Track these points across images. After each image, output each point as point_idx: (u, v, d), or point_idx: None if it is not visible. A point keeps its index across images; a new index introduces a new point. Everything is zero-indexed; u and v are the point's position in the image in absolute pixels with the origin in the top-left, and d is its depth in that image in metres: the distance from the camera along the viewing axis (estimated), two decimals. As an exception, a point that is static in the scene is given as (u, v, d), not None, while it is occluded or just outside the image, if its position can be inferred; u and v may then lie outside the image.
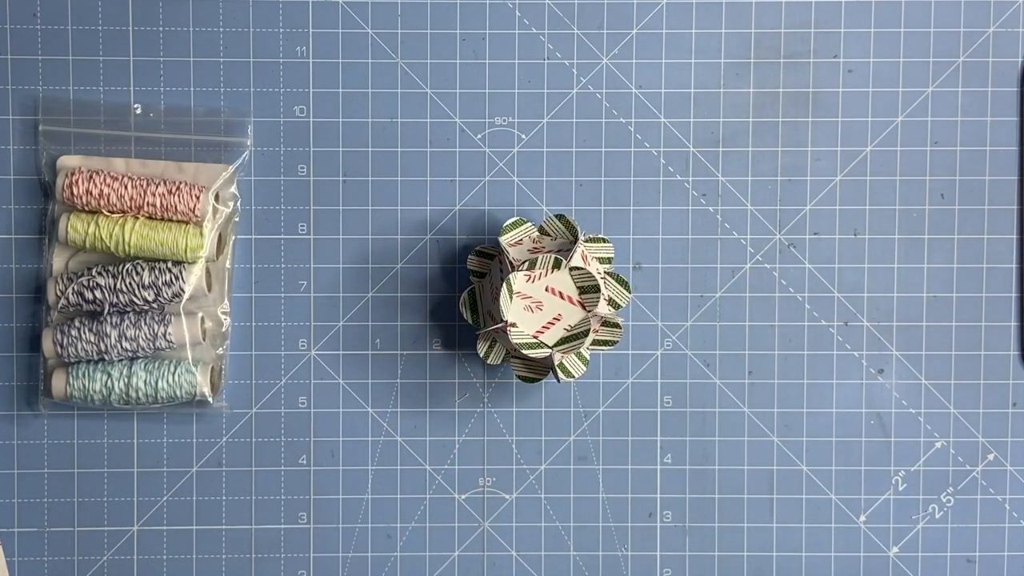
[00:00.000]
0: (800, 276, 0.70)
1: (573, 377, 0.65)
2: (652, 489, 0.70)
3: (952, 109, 0.69)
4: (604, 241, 0.65)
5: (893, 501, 0.70)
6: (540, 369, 0.66)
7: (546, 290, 0.63)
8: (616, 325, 0.65)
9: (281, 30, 0.68)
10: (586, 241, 0.65)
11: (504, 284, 0.62)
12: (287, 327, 0.69)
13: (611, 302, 0.65)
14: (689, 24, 0.69)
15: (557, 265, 0.62)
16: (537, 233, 0.66)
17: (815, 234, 0.69)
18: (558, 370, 0.64)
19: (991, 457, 0.70)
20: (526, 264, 0.62)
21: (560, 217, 0.65)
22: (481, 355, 0.65)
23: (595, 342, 0.65)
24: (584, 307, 0.63)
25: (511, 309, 0.62)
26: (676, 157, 0.69)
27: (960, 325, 0.70)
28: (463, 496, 0.70)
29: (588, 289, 0.62)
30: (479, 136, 0.69)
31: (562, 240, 0.65)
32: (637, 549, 0.70)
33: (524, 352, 0.63)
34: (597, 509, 0.70)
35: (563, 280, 0.63)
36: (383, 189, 0.69)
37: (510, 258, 0.63)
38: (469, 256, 0.67)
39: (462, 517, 0.70)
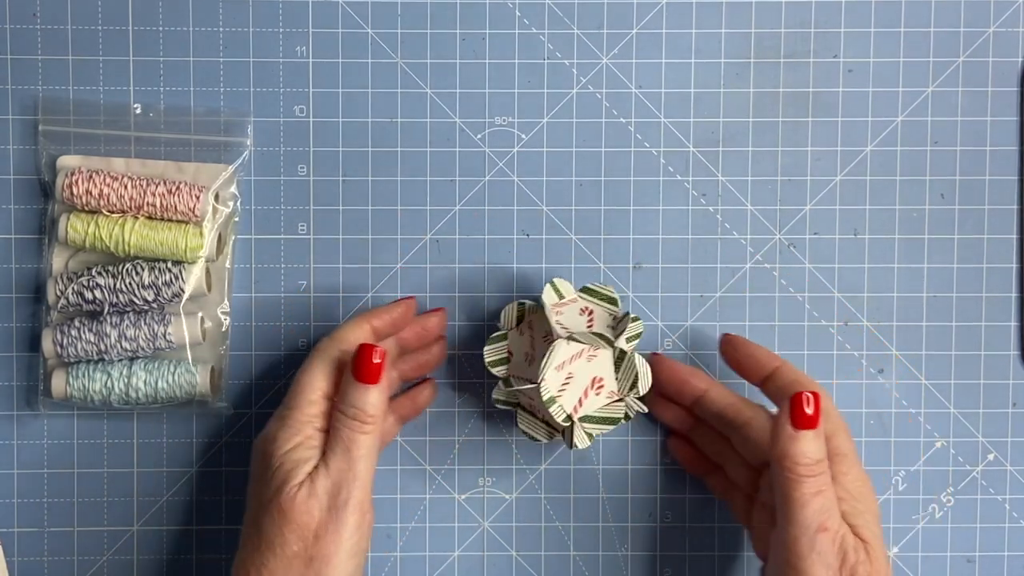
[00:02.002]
0: (800, 276, 0.70)
1: (587, 445, 0.64)
2: (652, 489, 0.70)
3: (952, 109, 0.69)
4: (636, 319, 0.65)
5: (893, 501, 0.70)
6: (547, 429, 0.65)
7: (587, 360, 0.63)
8: (625, 416, 0.65)
9: (281, 30, 0.68)
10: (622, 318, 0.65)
11: (546, 404, 0.62)
12: (287, 327, 0.69)
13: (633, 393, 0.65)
14: (689, 24, 0.69)
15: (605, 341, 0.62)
16: (580, 301, 0.65)
17: (815, 234, 0.69)
18: (582, 433, 0.63)
19: (991, 457, 0.70)
20: (542, 377, 0.61)
21: (604, 294, 0.65)
22: (580, 448, 0.63)
23: (593, 420, 0.65)
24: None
25: (563, 406, 0.63)
26: (676, 157, 0.69)
27: (960, 325, 0.70)
28: (463, 496, 0.70)
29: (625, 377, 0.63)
30: (479, 136, 0.69)
31: (605, 314, 0.65)
32: (637, 549, 0.70)
33: (607, 414, 0.63)
34: (597, 509, 0.70)
35: (601, 360, 0.63)
36: (383, 189, 0.69)
37: (527, 388, 0.63)
38: (494, 398, 0.65)
39: (462, 517, 0.70)
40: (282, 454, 0.58)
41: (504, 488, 0.70)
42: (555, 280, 0.65)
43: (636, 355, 0.63)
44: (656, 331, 0.69)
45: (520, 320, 0.66)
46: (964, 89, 0.69)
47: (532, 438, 0.65)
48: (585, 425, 0.63)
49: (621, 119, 0.69)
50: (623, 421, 0.64)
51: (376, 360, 0.58)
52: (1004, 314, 0.70)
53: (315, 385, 0.59)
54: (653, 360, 0.66)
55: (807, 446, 0.58)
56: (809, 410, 0.58)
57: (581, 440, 0.63)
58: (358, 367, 0.58)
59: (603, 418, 0.63)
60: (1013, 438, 0.70)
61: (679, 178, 0.69)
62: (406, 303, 0.65)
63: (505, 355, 0.65)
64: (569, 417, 0.62)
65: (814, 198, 0.69)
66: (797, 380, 0.62)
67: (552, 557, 0.70)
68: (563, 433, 0.64)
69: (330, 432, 0.59)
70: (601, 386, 0.63)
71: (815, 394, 0.58)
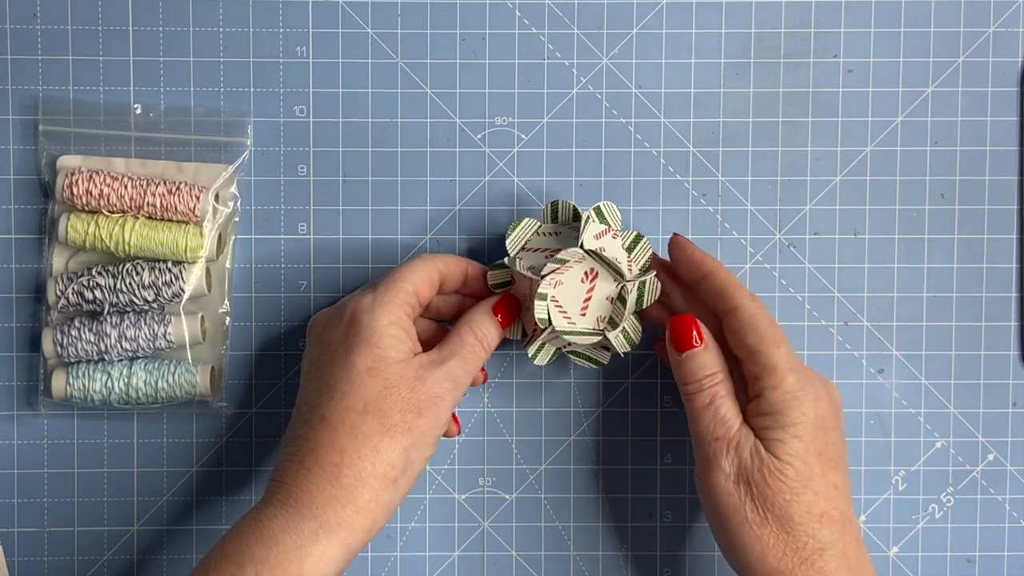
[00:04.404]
0: (800, 276, 0.70)
1: (635, 344, 0.65)
2: (652, 489, 0.70)
3: (952, 109, 0.69)
4: (639, 238, 0.65)
5: (893, 501, 0.70)
6: (600, 352, 0.66)
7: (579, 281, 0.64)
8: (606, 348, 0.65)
9: (281, 30, 0.68)
10: (626, 248, 0.65)
11: (536, 297, 0.62)
12: (287, 327, 0.69)
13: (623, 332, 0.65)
14: (689, 24, 0.69)
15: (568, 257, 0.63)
16: (538, 224, 0.65)
17: (815, 234, 0.69)
18: (620, 336, 0.64)
19: (991, 457, 0.70)
20: (547, 269, 0.62)
21: (559, 204, 0.65)
22: (530, 356, 0.65)
23: (579, 356, 0.66)
24: (615, 270, 0.63)
25: (550, 312, 0.63)
26: (676, 157, 0.69)
27: (960, 325, 0.70)
28: (463, 496, 0.70)
29: (612, 264, 0.63)
30: (479, 136, 0.69)
31: (567, 230, 0.65)
32: (637, 549, 0.70)
33: (581, 340, 0.63)
34: (597, 509, 0.70)
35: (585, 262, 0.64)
36: (383, 189, 0.69)
37: (527, 275, 0.63)
38: (488, 272, 0.66)
39: (462, 517, 0.70)
40: (382, 327, 0.59)
41: (504, 488, 0.70)
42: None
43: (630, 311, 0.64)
44: (656, 331, 0.69)
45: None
46: (964, 89, 0.69)
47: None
48: (565, 335, 0.64)
49: (621, 119, 0.69)
50: (597, 343, 0.65)
51: (517, 309, 0.64)
52: (1004, 314, 0.70)
53: (419, 275, 0.62)
54: (672, 239, 0.65)
55: (688, 365, 0.62)
56: (685, 335, 0.62)
57: (627, 336, 0.64)
58: (501, 308, 0.63)
59: (580, 331, 0.64)
60: (1013, 438, 0.70)
61: (679, 178, 0.69)
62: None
63: (508, 279, 0.66)
64: (549, 320, 0.63)
65: (814, 198, 0.69)
66: (723, 288, 0.62)
67: (552, 557, 0.70)
68: (533, 335, 0.65)
69: (454, 336, 0.62)
70: (586, 308, 0.64)
71: (690, 317, 0.62)
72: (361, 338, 0.59)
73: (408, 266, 0.63)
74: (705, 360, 0.61)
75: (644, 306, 0.65)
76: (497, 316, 0.63)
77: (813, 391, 0.60)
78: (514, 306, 0.64)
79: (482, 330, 0.63)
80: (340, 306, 0.62)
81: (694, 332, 0.62)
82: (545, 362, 0.65)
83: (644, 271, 0.65)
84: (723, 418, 0.60)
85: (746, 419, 0.61)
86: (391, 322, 0.60)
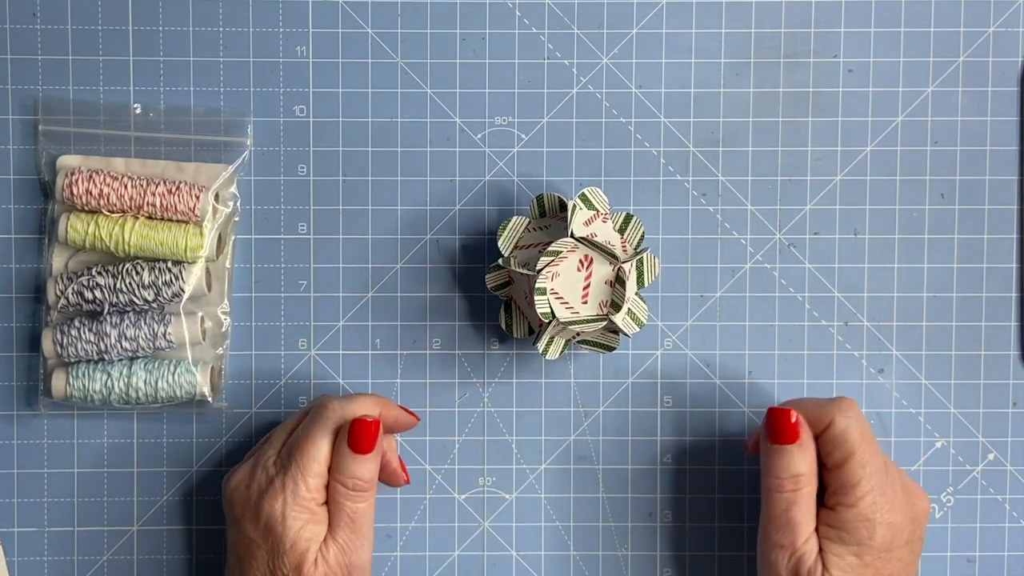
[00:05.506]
0: (800, 276, 0.70)
1: (643, 323, 0.65)
2: (652, 489, 0.70)
3: (952, 109, 0.69)
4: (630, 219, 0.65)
5: (893, 501, 0.70)
6: (609, 337, 0.66)
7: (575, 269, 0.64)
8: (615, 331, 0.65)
9: (281, 30, 0.68)
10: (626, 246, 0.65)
11: (536, 293, 0.62)
12: (287, 327, 0.69)
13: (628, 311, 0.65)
14: (689, 24, 0.69)
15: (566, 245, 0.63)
16: (527, 221, 0.66)
17: (815, 234, 0.69)
18: (626, 318, 0.64)
19: (991, 457, 0.70)
20: (542, 263, 0.62)
21: (542, 198, 0.65)
22: (541, 351, 0.65)
23: (590, 344, 0.66)
24: (609, 253, 0.63)
25: (552, 306, 0.63)
26: (676, 157, 0.69)
27: (960, 325, 0.70)
28: (463, 496, 0.70)
29: (604, 248, 0.63)
30: (479, 136, 0.69)
31: (556, 221, 0.65)
32: (637, 549, 0.70)
33: (586, 328, 0.63)
34: (597, 509, 0.70)
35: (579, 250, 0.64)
36: (383, 189, 0.69)
37: (523, 272, 0.63)
38: (486, 276, 0.66)
39: (462, 517, 0.70)
40: (294, 533, 0.60)
41: (504, 488, 0.70)
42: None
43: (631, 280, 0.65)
44: (656, 331, 0.69)
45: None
46: (964, 89, 0.69)
47: (508, 329, 0.66)
48: (571, 327, 0.64)
49: (621, 119, 0.69)
50: (605, 333, 0.65)
51: (372, 430, 0.61)
52: (1004, 314, 0.70)
53: (321, 457, 0.61)
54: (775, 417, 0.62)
55: (777, 460, 0.61)
56: (781, 425, 0.60)
57: (635, 318, 0.64)
58: (356, 439, 0.61)
59: (584, 320, 0.64)
60: (1013, 438, 0.70)
61: (679, 178, 0.69)
62: (415, 419, 0.66)
63: (506, 280, 0.66)
64: (552, 313, 0.63)
65: (814, 198, 0.69)
66: (843, 434, 0.61)
67: (552, 557, 0.70)
68: (540, 330, 0.65)
69: (331, 505, 0.61)
70: (587, 295, 0.64)
71: (789, 411, 0.60)
72: (281, 548, 0.60)
73: (310, 441, 0.61)
74: (794, 460, 0.60)
75: (646, 284, 0.65)
76: (358, 448, 0.61)
77: (887, 516, 0.60)
78: (368, 427, 0.61)
79: (349, 477, 0.61)
80: (255, 502, 0.61)
81: (790, 426, 0.60)
82: (557, 356, 0.65)
83: (639, 250, 0.65)
84: (794, 527, 0.60)
85: (818, 515, 0.61)
86: (304, 523, 0.60)
